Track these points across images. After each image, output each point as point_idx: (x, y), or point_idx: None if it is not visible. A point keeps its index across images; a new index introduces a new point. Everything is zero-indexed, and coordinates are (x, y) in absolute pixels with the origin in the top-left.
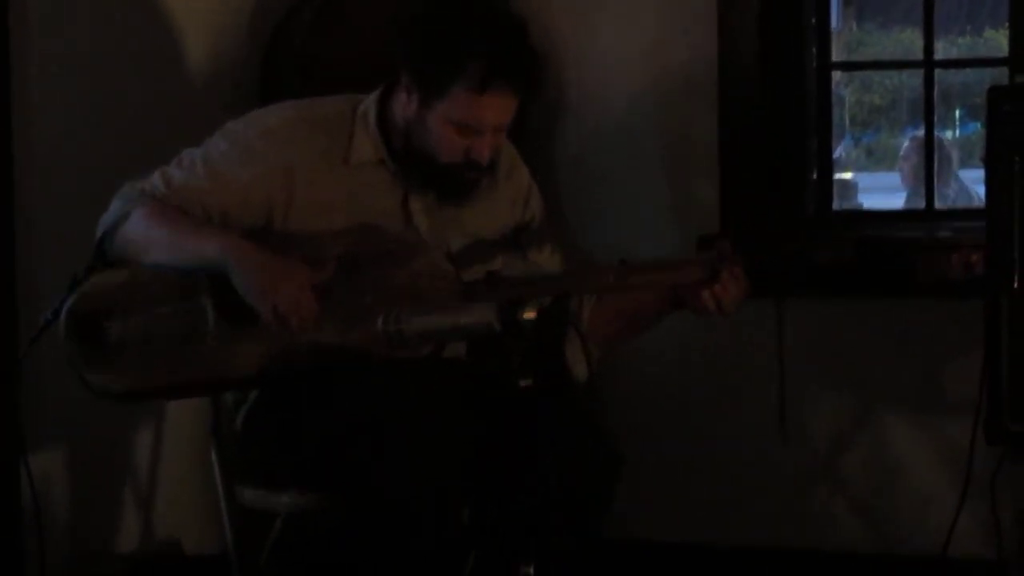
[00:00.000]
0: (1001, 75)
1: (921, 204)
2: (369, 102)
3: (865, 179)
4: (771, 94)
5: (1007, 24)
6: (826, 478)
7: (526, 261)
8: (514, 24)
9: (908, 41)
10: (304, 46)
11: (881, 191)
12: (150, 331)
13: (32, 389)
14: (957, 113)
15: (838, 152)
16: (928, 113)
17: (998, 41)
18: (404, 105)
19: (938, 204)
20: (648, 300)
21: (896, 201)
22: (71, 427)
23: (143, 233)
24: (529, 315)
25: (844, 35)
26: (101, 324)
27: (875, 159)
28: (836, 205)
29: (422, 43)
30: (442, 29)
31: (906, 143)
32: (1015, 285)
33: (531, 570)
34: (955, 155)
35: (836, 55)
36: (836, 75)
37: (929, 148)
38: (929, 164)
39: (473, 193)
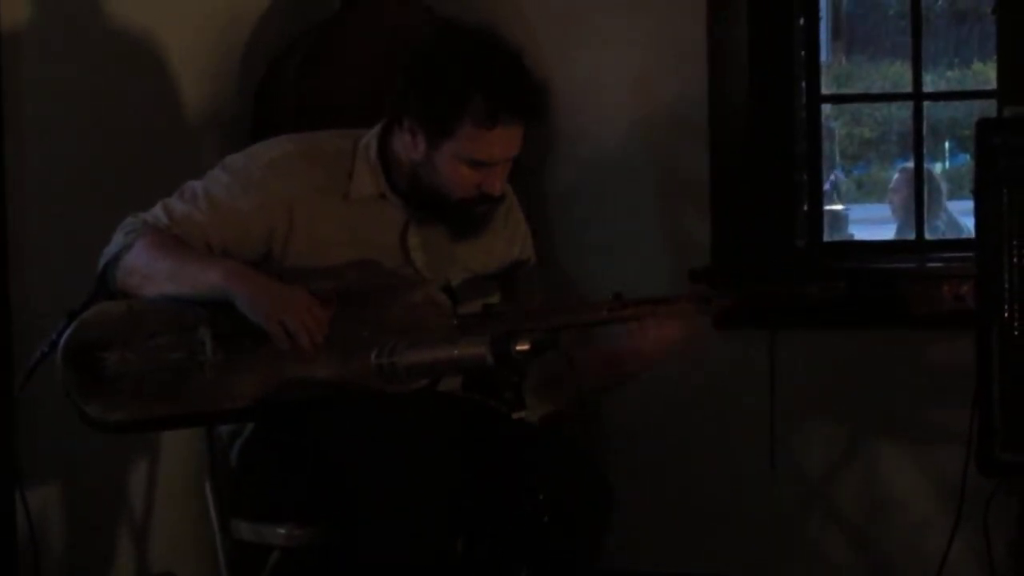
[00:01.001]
0: (989, 107)
1: (911, 235)
2: (370, 137)
3: (856, 211)
4: (761, 127)
5: (995, 57)
6: (819, 508)
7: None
8: (511, 54)
9: (897, 74)
10: (297, 82)
11: (872, 223)
12: (148, 362)
13: (28, 422)
14: (947, 145)
15: (828, 184)
16: (917, 145)
17: (986, 74)
18: (409, 147)
19: (928, 235)
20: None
21: (887, 233)
22: (67, 460)
23: (145, 263)
24: (522, 348)
25: (834, 68)
26: (99, 355)
27: (865, 191)
28: (827, 237)
29: (423, 85)
30: (441, 69)
31: (896, 175)
32: (1005, 315)
33: None
34: (944, 186)
35: (826, 88)
36: (826, 108)
37: (919, 180)
38: (919, 196)
39: (486, 225)
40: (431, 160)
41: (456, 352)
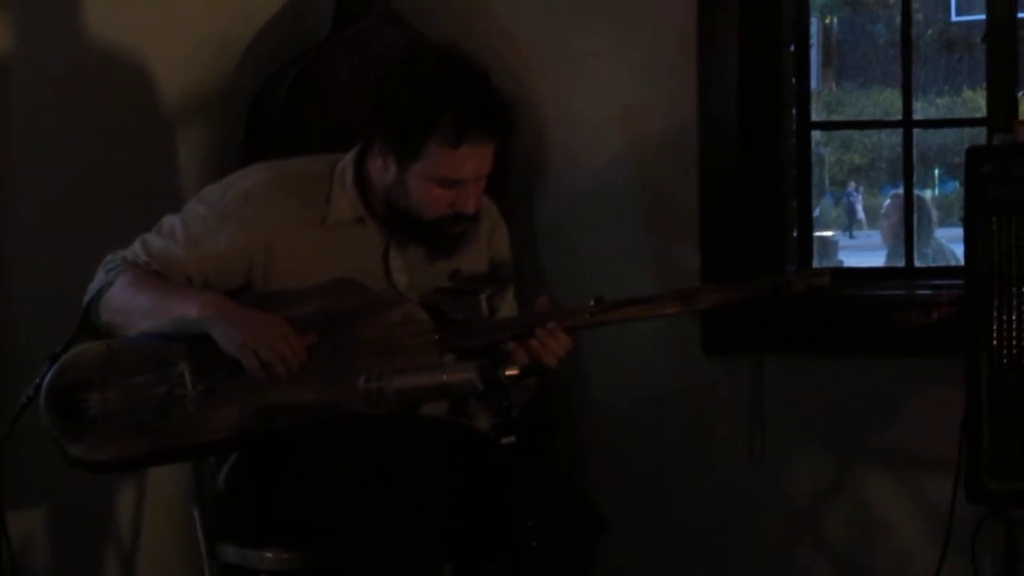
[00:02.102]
0: (979, 135)
1: (902, 262)
2: (346, 162)
3: (845, 238)
4: (751, 153)
5: (985, 85)
6: (807, 536)
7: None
8: (477, 73)
9: (887, 101)
10: (287, 106)
11: (861, 249)
12: (129, 400)
13: (12, 450)
14: (936, 172)
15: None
16: (908, 172)
17: (976, 102)
18: (381, 171)
19: (918, 262)
20: None
21: (876, 259)
22: (53, 485)
23: (126, 300)
24: (511, 372)
25: (824, 95)
26: (80, 397)
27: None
28: (816, 263)
29: (391, 108)
30: (407, 91)
31: (887, 201)
32: (994, 343)
33: None
34: (934, 213)
35: (816, 115)
36: (816, 134)
37: (908, 207)
38: (909, 223)
39: (462, 245)
40: (403, 182)
41: (445, 377)
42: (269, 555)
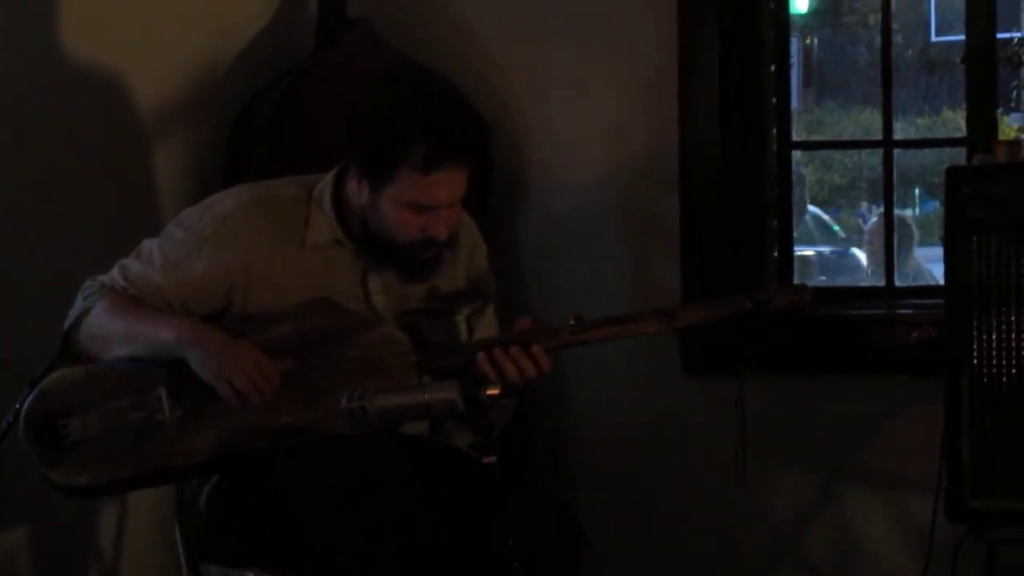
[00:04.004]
0: (959, 155)
1: (882, 282)
2: (324, 184)
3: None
4: (732, 173)
5: (964, 105)
6: (789, 554)
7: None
8: (451, 99)
9: (867, 121)
10: (269, 126)
11: (841, 269)
12: (109, 426)
13: None
14: (916, 192)
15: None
16: (888, 192)
17: (956, 122)
18: (356, 193)
19: (901, 282)
20: None
21: (856, 278)
22: (36, 504)
23: (103, 326)
24: (492, 392)
25: (804, 115)
26: (60, 423)
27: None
28: (796, 282)
29: (364, 132)
30: (380, 116)
31: (873, 219)
32: (974, 363)
33: None
34: (916, 234)
35: (796, 134)
36: (796, 154)
37: (889, 226)
38: (889, 242)
39: (436, 270)
40: (376, 205)
41: (427, 396)
42: (251, 574)
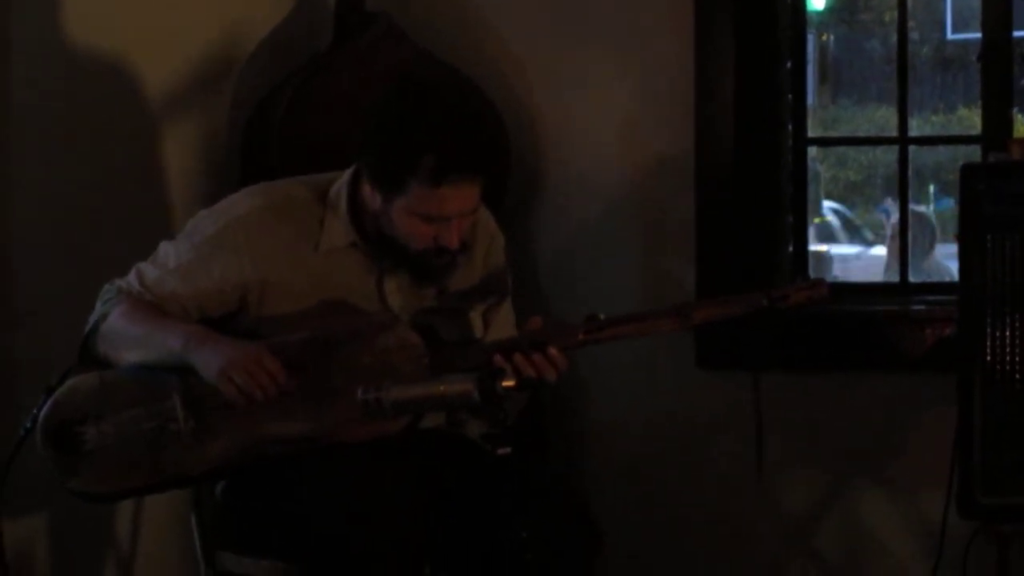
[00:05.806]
0: (974, 152)
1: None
2: (340, 185)
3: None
4: (748, 169)
5: (980, 103)
6: (802, 550)
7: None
8: (465, 112)
9: (883, 118)
10: (285, 122)
11: (857, 265)
12: (124, 433)
13: (8, 460)
14: (931, 189)
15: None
16: (903, 189)
17: (971, 119)
18: (370, 197)
19: (921, 278)
20: None
21: (872, 275)
22: (52, 493)
23: (119, 333)
24: (508, 384)
25: (820, 112)
26: (76, 430)
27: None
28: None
29: (376, 142)
30: (392, 127)
31: (896, 216)
32: (987, 359)
33: None
34: (937, 230)
35: (812, 131)
36: (812, 150)
37: (903, 223)
38: (904, 239)
39: (449, 276)
40: (388, 213)
41: (442, 388)
42: (267, 563)
